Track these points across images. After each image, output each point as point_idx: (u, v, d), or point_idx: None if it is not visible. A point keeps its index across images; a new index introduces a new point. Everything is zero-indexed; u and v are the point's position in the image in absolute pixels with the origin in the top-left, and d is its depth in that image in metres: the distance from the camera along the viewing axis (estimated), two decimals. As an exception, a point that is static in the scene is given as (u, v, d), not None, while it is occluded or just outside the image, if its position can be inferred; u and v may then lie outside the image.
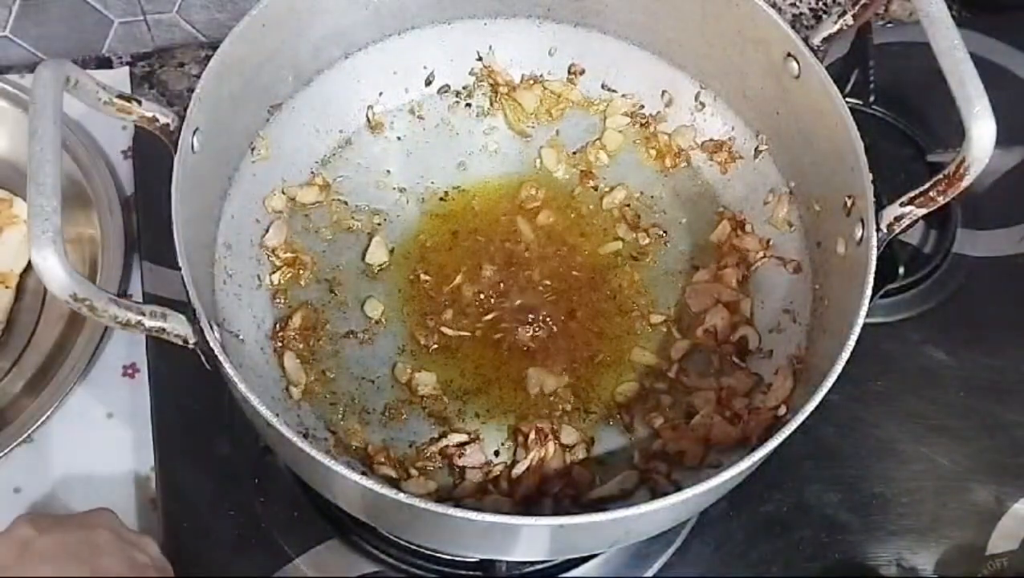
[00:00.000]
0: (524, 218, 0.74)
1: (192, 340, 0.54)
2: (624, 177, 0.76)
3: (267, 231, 0.71)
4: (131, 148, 0.83)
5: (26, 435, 0.70)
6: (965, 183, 0.56)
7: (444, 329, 0.69)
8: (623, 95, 0.78)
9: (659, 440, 0.66)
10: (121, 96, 0.58)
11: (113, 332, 0.75)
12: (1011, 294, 0.83)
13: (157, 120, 0.59)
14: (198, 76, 0.61)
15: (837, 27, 0.65)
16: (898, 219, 0.59)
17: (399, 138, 0.77)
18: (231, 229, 0.69)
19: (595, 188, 0.76)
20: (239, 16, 0.63)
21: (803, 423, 0.53)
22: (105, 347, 0.75)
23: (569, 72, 0.78)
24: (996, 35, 0.92)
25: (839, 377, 0.54)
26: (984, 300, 0.82)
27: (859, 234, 0.60)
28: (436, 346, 0.69)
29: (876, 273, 0.58)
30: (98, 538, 0.56)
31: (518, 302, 0.71)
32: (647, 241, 0.74)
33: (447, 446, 0.65)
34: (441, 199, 0.75)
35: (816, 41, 0.65)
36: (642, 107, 0.78)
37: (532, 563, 0.68)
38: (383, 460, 0.64)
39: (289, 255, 0.70)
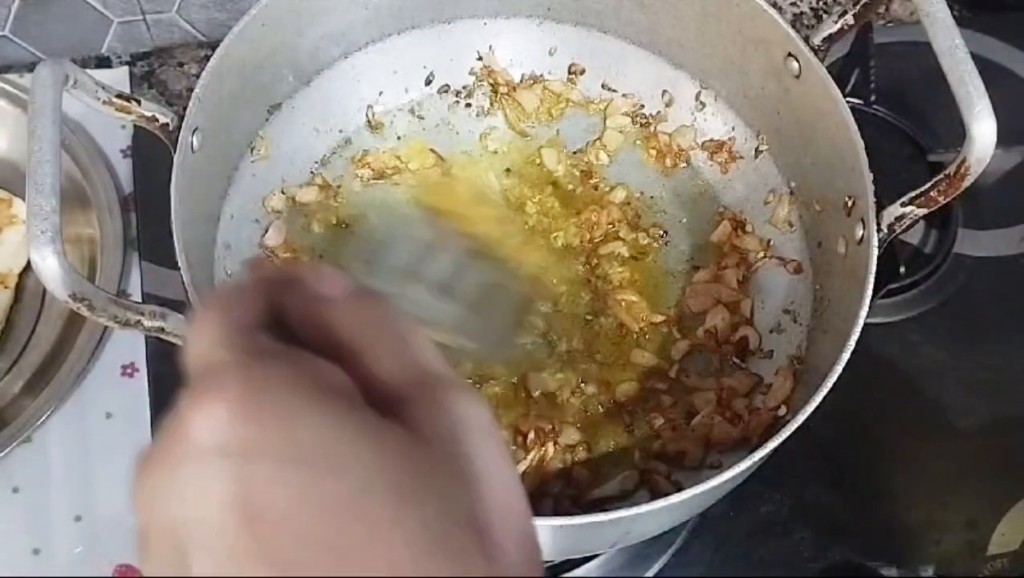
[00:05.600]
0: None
1: (191, 340, 0.53)
2: (624, 177, 0.76)
3: (266, 231, 0.71)
4: (130, 148, 0.83)
5: (25, 435, 0.70)
6: (966, 183, 0.56)
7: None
8: (623, 95, 0.78)
9: (659, 440, 0.66)
10: (120, 95, 0.58)
11: (112, 332, 0.75)
12: (1012, 294, 0.83)
13: (156, 120, 0.59)
14: (197, 76, 0.61)
15: (838, 27, 0.65)
16: (899, 219, 0.59)
17: (399, 138, 0.77)
18: (230, 229, 0.69)
19: (595, 188, 0.76)
20: (239, 16, 0.63)
21: (803, 423, 0.53)
22: (104, 347, 0.74)
23: (569, 72, 0.78)
24: (997, 35, 0.92)
25: (839, 377, 0.54)
26: (985, 300, 0.82)
27: (860, 234, 0.60)
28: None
29: (877, 273, 0.58)
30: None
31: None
32: (647, 241, 0.74)
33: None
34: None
35: (817, 41, 0.65)
36: (642, 107, 0.78)
37: (532, 564, 0.68)
38: (382, 460, 0.63)
39: (288, 255, 0.70)
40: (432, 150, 0.75)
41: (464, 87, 0.78)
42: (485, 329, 0.44)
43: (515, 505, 0.27)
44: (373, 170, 0.74)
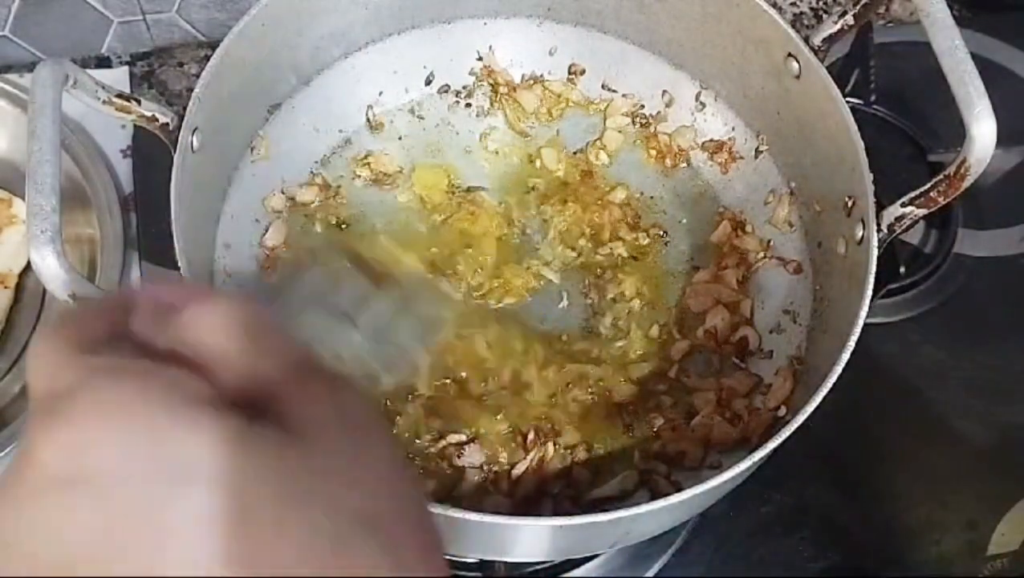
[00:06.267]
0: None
1: (191, 340, 0.53)
2: (624, 177, 0.76)
3: (266, 231, 0.71)
4: (130, 147, 0.83)
5: (25, 435, 0.70)
6: (966, 183, 0.56)
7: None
8: (623, 95, 0.78)
9: (659, 440, 0.66)
10: (120, 95, 0.58)
11: (112, 332, 0.75)
12: (1012, 294, 0.83)
13: (156, 119, 0.59)
14: (197, 76, 0.61)
15: (838, 27, 0.65)
16: (899, 219, 0.59)
17: (399, 138, 0.77)
18: (230, 229, 0.69)
19: (595, 188, 0.76)
20: (239, 16, 0.63)
21: (803, 423, 0.53)
22: (104, 347, 0.74)
23: (569, 72, 0.78)
24: (997, 35, 0.92)
25: (839, 377, 0.54)
26: (985, 300, 0.82)
27: (860, 234, 0.60)
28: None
29: (877, 273, 0.58)
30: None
31: (518, 302, 0.71)
32: (647, 241, 0.74)
33: (447, 446, 0.65)
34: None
35: (817, 41, 0.65)
36: (642, 107, 0.78)
37: (531, 564, 0.68)
38: (382, 460, 0.63)
39: (288, 256, 0.70)
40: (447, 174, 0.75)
41: (464, 87, 0.78)
42: (398, 357, 0.45)
43: (405, 493, 0.26)
44: (373, 172, 0.74)
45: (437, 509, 0.50)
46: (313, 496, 0.24)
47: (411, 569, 0.25)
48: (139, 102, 0.58)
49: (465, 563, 0.68)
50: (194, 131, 0.60)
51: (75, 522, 0.23)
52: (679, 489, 0.52)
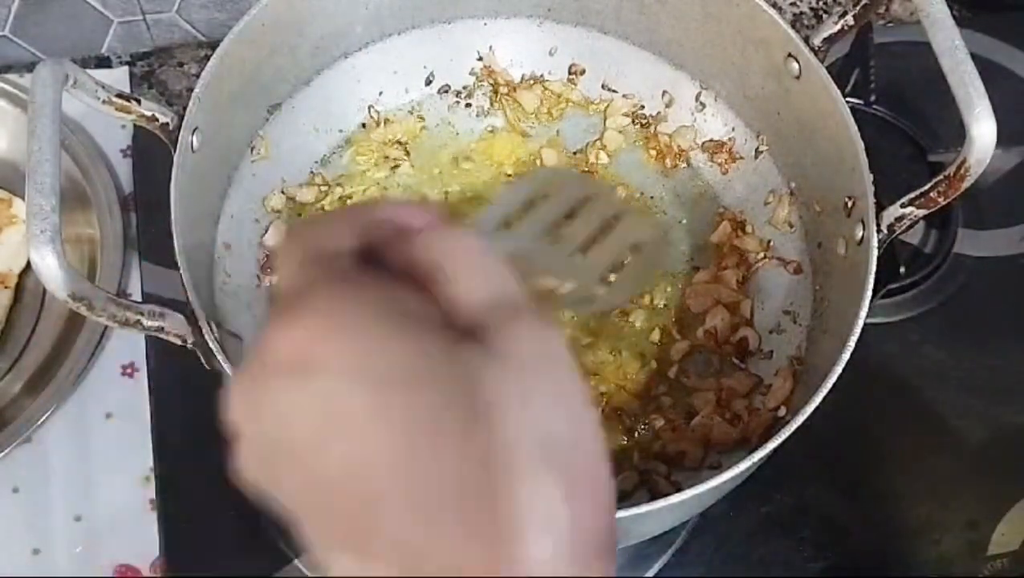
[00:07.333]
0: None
1: (191, 340, 0.54)
2: (624, 177, 0.76)
3: (266, 231, 0.71)
4: (130, 148, 0.83)
5: (25, 435, 0.70)
6: (966, 184, 0.56)
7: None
8: (623, 95, 0.78)
9: (659, 441, 0.66)
10: (120, 95, 0.58)
11: (112, 332, 0.75)
12: (1012, 294, 0.83)
13: (156, 119, 0.59)
14: (197, 75, 0.61)
15: (838, 27, 0.65)
16: (899, 220, 0.59)
17: (399, 138, 0.76)
18: (230, 229, 0.69)
19: (595, 188, 0.76)
20: (239, 16, 0.63)
21: (803, 424, 0.53)
22: (104, 347, 0.74)
23: (569, 72, 0.78)
24: (997, 35, 0.92)
25: (839, 377, 0.54)
26: (985, 300, 0.82)
27: (860, 235, 0.60)
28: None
29: (877, 273, 0.58)
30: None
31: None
32: (647, 241, 0.74)
33: (447, 446, 0.65)
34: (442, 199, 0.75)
35: (817, 41, 0.65)
36: (642, 107, 0.78)
37: (532, 564, 0.68)
38: (383, 460, 0.63)
39: (288, 255, 0.70)
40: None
41: (464, 87, 0.78)
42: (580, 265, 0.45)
43: (593, 432, 0.28)
44: (374, 170, 0.74)
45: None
46: (504, 419, 0.26)
47: (582, 498, 0.26)
48: (139, 102, 0.58)
49: (465, 563, 0.68)
50: (194, 131, 0.60)
51: (294, 407, 0.26)
52: (679, 489, 0.52)
